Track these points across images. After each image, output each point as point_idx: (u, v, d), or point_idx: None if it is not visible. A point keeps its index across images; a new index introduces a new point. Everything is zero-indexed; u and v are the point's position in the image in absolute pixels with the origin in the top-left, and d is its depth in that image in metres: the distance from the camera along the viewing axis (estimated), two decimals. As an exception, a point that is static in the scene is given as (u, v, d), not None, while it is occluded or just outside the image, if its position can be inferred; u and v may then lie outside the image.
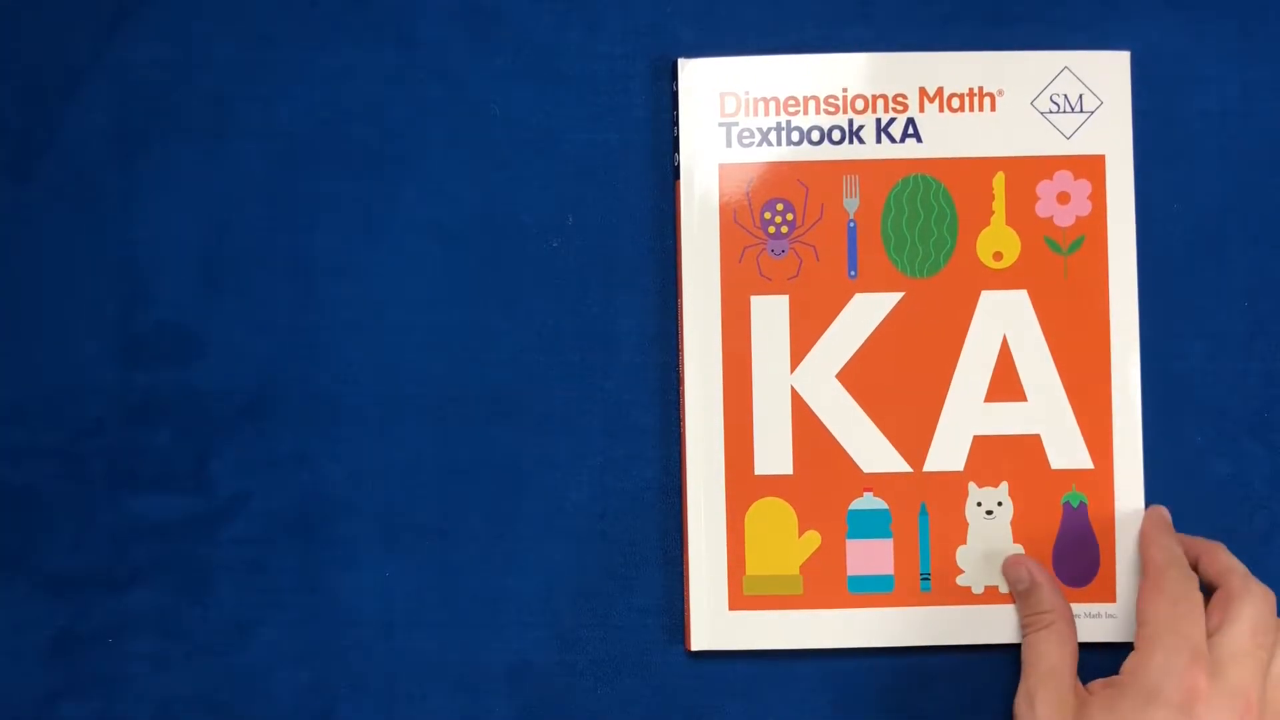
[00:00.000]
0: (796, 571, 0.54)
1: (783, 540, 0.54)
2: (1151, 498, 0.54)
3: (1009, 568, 0.53)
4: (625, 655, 0.54)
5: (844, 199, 0.54)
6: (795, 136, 0.54)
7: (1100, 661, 0.51)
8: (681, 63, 0.54)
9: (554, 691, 0.54)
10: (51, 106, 0.56)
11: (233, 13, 0.55)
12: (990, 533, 0.54)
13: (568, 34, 0.55)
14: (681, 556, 0.54)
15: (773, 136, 0.54)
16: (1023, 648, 0.52)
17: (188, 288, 0.55)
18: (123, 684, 0.54)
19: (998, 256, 0.54)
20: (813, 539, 0.54)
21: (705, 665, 0.54)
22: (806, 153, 0.54)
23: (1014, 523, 0.54)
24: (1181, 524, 0.53)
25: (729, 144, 0.54)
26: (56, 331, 0.55)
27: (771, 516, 0.54)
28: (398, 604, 0.55)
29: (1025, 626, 0.52)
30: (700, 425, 0.54)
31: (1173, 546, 0.51)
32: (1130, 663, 0.49)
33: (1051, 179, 0.54)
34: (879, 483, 0.54)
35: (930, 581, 0.54)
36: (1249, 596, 0.49)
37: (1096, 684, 0.50)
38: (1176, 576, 0.50)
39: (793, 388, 0.54)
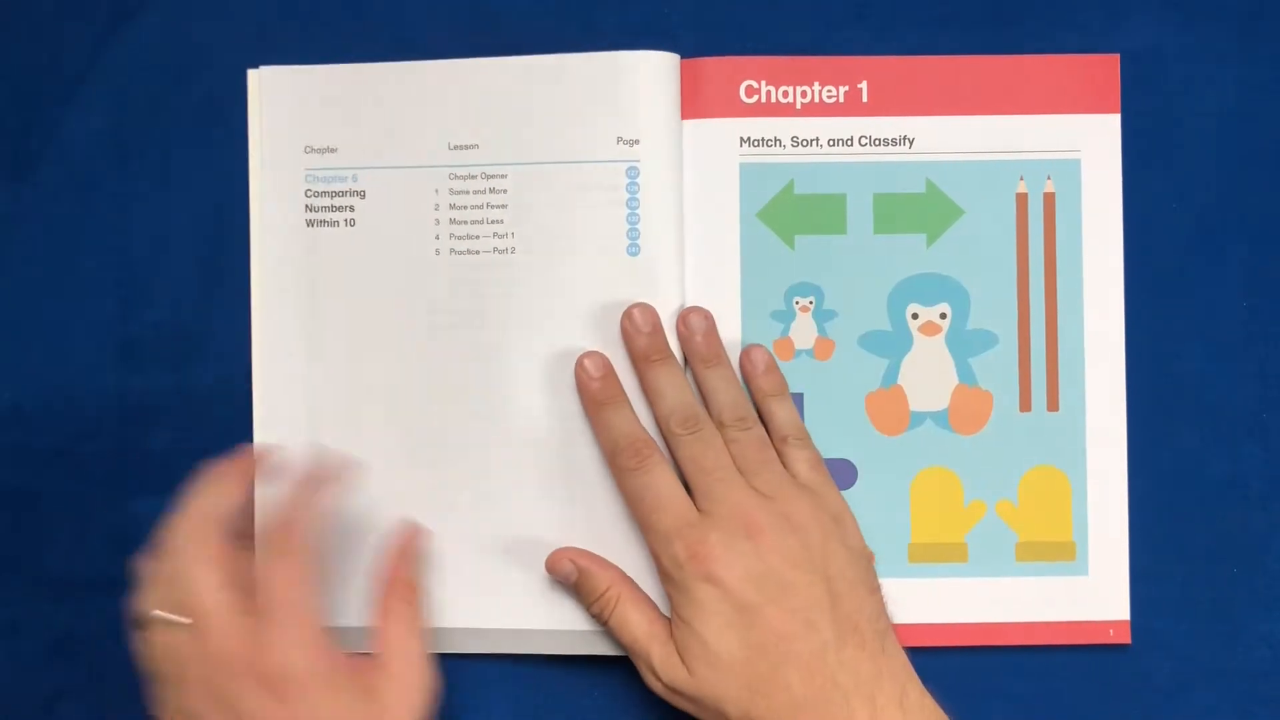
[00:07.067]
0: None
1: None
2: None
3: (551, 566, 0.52)
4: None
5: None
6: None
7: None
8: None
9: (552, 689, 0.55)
10: (49, 107, 0.55)
11: (231, 14, 0.55)
12: None
13: (567, 35, 0.55)
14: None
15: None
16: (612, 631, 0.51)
17: (186, 290, 0.55)
18: (123, 686, 0.54)
19: None
20: None
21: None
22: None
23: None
24: (1179, 524, 0.54)
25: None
26: (55, 334, 0.55)
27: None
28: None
29: (596, 614, 0.52)
30: None
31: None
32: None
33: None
34: None
35: None
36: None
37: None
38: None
39: None
